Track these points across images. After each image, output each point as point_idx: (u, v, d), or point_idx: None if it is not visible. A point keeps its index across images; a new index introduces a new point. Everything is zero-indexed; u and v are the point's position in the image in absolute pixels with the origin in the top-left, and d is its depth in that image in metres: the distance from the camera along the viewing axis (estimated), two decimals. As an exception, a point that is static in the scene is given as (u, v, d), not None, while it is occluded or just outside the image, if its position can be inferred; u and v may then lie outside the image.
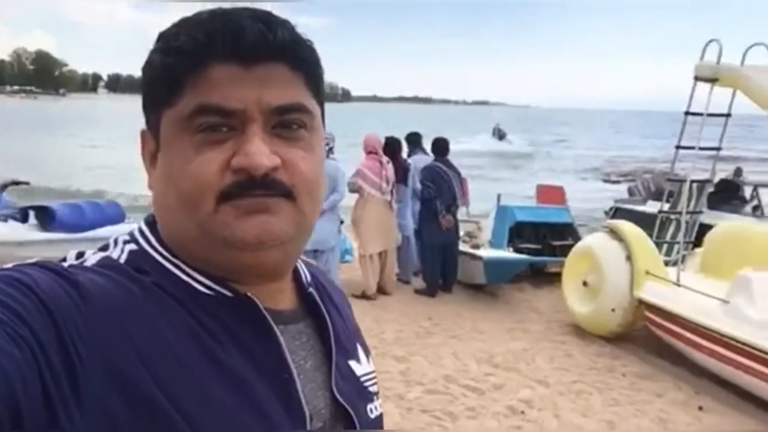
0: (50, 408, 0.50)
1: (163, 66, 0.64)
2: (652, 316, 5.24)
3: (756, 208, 8.05)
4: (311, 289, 0.75)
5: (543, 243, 7.70)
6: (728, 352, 4.45)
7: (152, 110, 0.67)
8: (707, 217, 6.90)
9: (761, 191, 8.46)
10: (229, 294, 0.66)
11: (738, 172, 9.73)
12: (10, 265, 0.57)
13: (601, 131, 67.12)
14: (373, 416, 0.76)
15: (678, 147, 6.22)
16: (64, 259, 0.64)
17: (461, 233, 7.30)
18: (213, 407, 0.59)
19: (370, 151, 6.77)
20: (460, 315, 6.30)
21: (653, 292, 5.22)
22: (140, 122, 0.69)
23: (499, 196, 8.31)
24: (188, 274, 0.65)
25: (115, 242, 0.68)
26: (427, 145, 7.59)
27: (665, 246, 6.62)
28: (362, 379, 0.76)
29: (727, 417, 4.22)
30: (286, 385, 0.65)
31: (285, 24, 0.64)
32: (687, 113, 6.07)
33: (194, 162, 0.62)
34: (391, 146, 7.12)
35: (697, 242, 6.19)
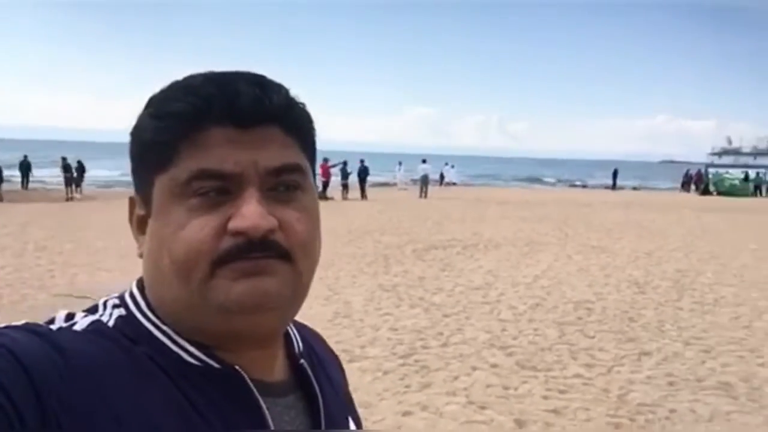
0: None
1: (156, 130, 0.62)
2: None
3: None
4: (303, 361, 0.72)
5: None
6: None
7: (143, 175, 0.64)
8: None
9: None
10: (217, 366, 0.63)
11: None
12: None
13: None
14: None
15: None
16: (53, 321, 0.62)
17: None
18: None
19: None
20: None
21: None
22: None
23: None
24: (177, 344, 0.63)
25: (104, 305, 0.65)
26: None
27: None
28: None
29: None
30: None
31: (279, 88, 0.65)
32: None
33: (188, 227, 0.60)
34: None
35: None
